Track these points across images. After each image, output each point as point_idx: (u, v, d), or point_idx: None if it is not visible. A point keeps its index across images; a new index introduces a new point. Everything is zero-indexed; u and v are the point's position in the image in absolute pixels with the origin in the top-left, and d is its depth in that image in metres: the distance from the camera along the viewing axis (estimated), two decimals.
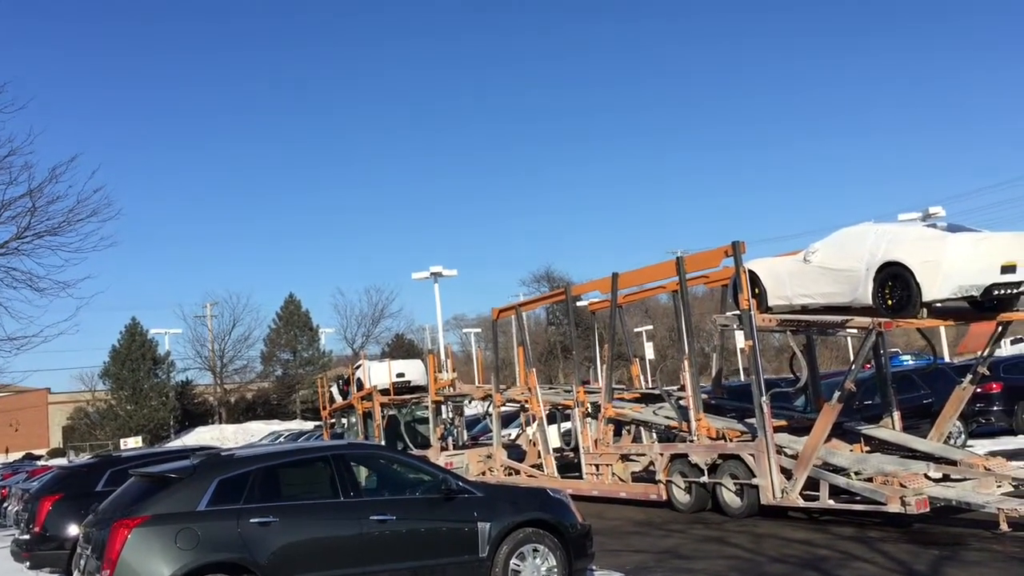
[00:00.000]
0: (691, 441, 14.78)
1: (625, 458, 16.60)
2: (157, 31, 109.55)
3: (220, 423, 61.05)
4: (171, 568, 7.49)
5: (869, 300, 12.21)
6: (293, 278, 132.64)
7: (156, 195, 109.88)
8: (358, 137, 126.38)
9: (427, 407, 23.66)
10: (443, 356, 28.96)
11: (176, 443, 50.49)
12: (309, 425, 50.53)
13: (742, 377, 51.00)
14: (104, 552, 7.57)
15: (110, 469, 12.20)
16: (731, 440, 14.22)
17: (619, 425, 17.27)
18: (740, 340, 32.20)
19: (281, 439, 41.19)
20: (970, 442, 19.40)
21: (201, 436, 52.10)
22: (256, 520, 7.93)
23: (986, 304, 12.31)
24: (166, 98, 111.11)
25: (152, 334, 64.57)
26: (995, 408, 21.70)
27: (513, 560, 8.78)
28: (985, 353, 13.88)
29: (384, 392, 25.26)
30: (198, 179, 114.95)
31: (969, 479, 12.44)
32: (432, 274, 42.30)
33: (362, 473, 9.08)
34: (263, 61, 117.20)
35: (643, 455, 16.30)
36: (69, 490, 11.96)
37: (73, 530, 11.16)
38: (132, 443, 50.42)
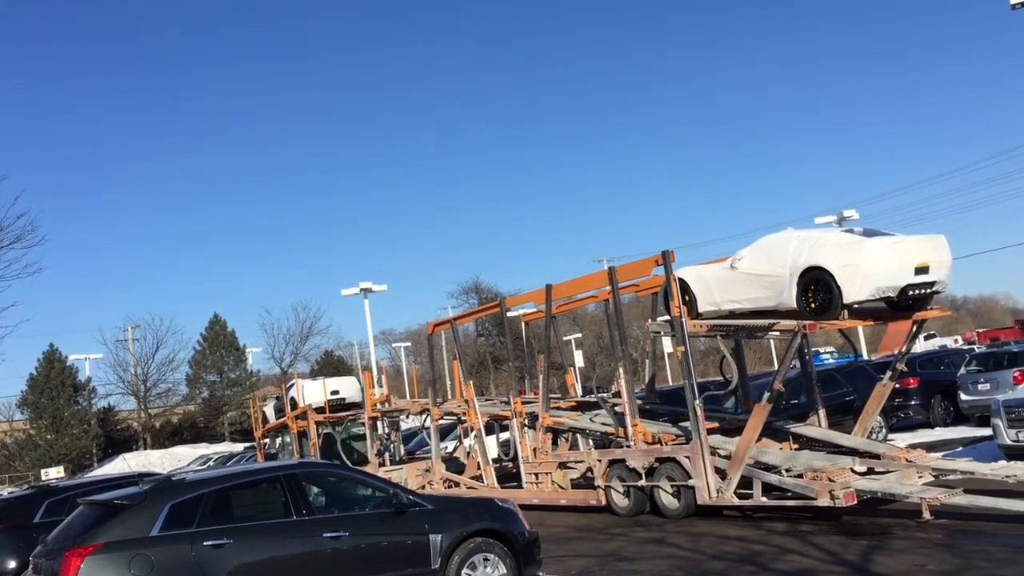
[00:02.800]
0: (628, 446, 15.15)
1: (564, 466, 16.90)
2: (59, 50, 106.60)
3: (145, 449, 59.52)
4: None
5: (794, 303, 12.75)
6: (217, 298, 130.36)
7: (69, 216, 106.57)
8: (276, 154, 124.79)
9: (363, 424, 23.65)
10: (376, 371, 28.93)
11: (100, 471, 49.13)
12: (239, 447, 49.67)
13: (670, 382, 51.97)
14: None
15: (47, 500, 11.97)
16: (667, 444, 14.63)
17: (556, 434, 17.57)
18: (668, 345, 32.85)
19: (210, 463, 40.42)
20: (891, 436, 20.19)
21: (127, 463, 50.74)
22: (210, 543, 7.96)
23: (902, 304, 12.99)
24: (74, 117, 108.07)
25: (72, 360, 62.56)
26: (913, 403, 22.62)
27: (465, 570, 8.96)
28: (903, 350, 14.57)
29: (319, 410, 25.14)
30: (115, 199, 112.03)
31: (892, 471, 13.04)
32: (362, 290, 42.02)
33: (313, 491, 9.16)
34: (171, 75, 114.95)
35: (581, 462, 16.62)
36: (6, 522, 11.71)
37: (11, 563, 10.97)
38: (54, 473, 48.77)
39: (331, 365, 66.34)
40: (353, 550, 8.56)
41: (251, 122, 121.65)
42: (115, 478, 13.79)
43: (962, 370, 21.94)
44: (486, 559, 9.11)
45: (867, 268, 12.08)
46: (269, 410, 30.28)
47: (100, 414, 63.89)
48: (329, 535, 8.47)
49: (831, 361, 45.99)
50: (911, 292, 12.47)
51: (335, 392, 25.93)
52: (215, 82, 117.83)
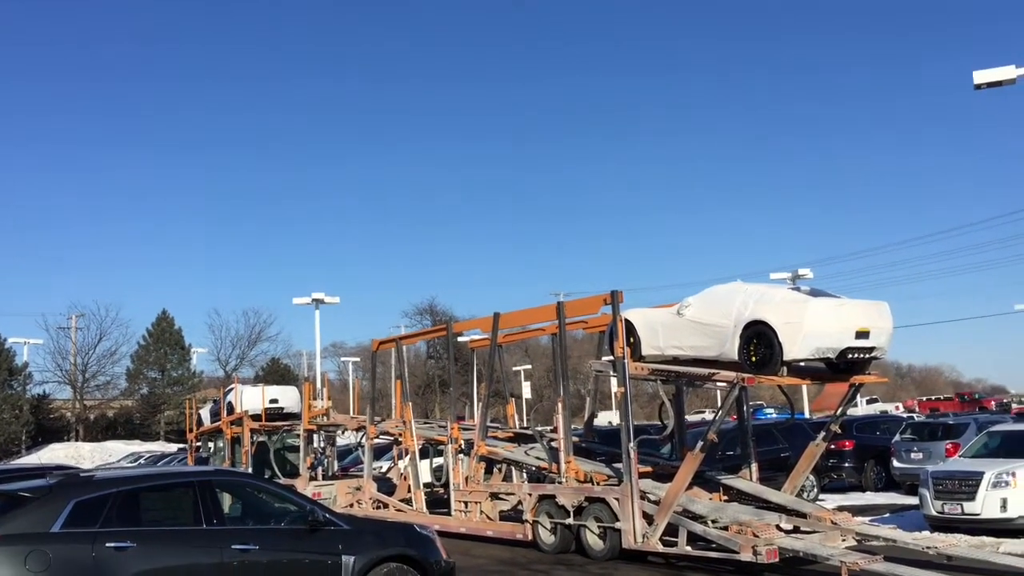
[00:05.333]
0: (559, 483, 15.06)
1: (494, 496, 16.75)
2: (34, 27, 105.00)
3: (77, 440, 58.16)
4: None
5: (735, 355, 12.80)
6: (167, 295, 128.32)
7: (18, 197, 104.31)
8: (241, 155, 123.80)
9: (299, 435, 23.30)
10: (319, 384, 28.59)
11: (28, 459, 47.90)
12: (172, 447, 48.74)
13: (613, 422, 51.99)
14: None
15: None
16: (598, 484, 14.56)
17: (491, 463, 17.43)
18: (615, 385, 32.94)
19: (141, 460, 39.63)
20: (822, 496, 20.34)
21: (55, 453, 49.50)
22: (112, 544, 7.72)
23: (841, 366, 13.10)
24: (32, 99, 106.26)
25: (10, 343, 61.09)
26: (847, 465, 22.84)
27: None
28: (838, 412, 14.69)
29: (255, 417, 24.72)
30: (68, 183, 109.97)
31: (817, 532, 13.09)
32: (313, 300, 41.67)
33: (227, 501, 8.94)
34: (131, 58, 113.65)
35: (512, 494, 16.47)
36: None
37: None
38: None
39: (277, 373, 65.55)
40: (262, 564, 8.36)
41: (215, 118, 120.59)
42: (25, 469, 13.40)
43: (897, 437, 22.22)
44: None
45: (809, 327, 12.17)
46: (205, 413, 29.72)
47: (34, 401, 62.34)
48: (238, 547, 8.26)
49: (773, 415, 46.42)
50: (850, 355, 12.59)
51: (274, 400, 25.50)
52: (176, 73, 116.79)
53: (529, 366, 66.18)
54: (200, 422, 29.67)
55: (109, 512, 7.89)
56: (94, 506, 7.87)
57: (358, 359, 73.95)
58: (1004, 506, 14.25)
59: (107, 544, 7.70)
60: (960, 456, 17.02)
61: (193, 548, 8.12)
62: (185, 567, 8.02)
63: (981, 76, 18.81)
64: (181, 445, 44.31)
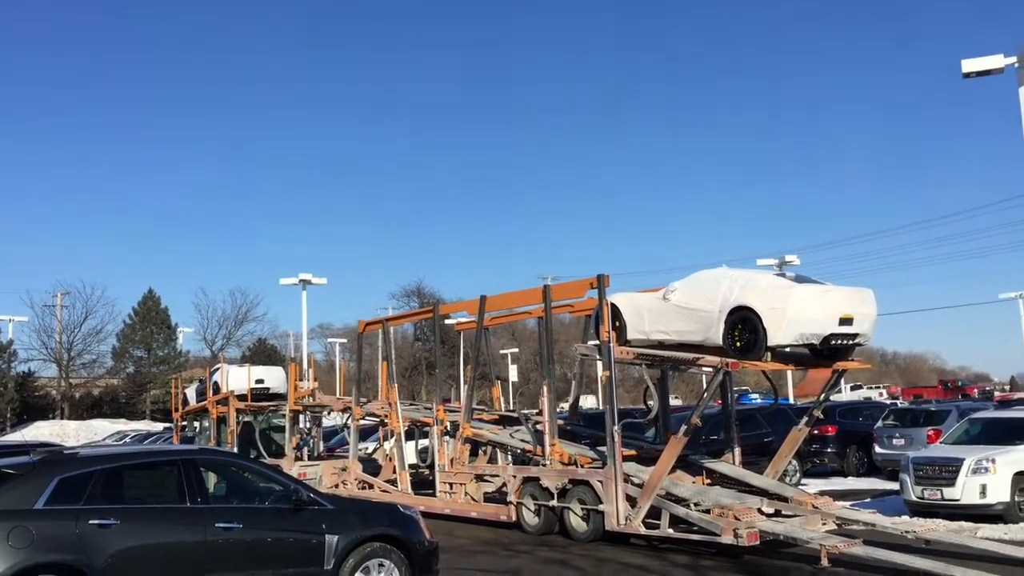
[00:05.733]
0: (544, 465, 15.15)
1: (479, 478, 16.83)
2: None
3: (62, 419, 58.03)
4: (1, 567, 7.23)
5: (720, 340, 12.87)
6: (153, 274, 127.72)
7: (7, 170, 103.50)
8: (230, 136, 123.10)
9: (284, 415, 23.33)
10: (306, 365, 28.59)
11: (12, 437, 47.75)
12: (158, 426, 48.71)
13: (599, 405, 52.19)
14: None
15: None
16: (582, 466, 14.65)
17: (476, 445, 17.50)
18: (600, 369, 33.06)
19: (127, 439, 39.62)
20: (804, 481, 20.51)
21: (40, 431, 49.37)
22: (95, 522, 7.75)
23: (824, 352, 13.20)
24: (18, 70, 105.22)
25: None
26: (829, 450, 23.05)
27: (358, 574, 8.84)
28: (821, 398, 14.80)
29: (241, 398, 24.73)
30: (55, 160, 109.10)
31: (798, 516, 13.21)
32: (301, 281, 41.53)
33: (211, 479, 8.97)
34: (125, 43, 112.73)
35: (497, 476, 16.56)
36: None
37: None
38: None
39: (263, 353, 65.45)
40: (246, 543, 8.40)
41: (205, 97, 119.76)
42: (10, 445, 13.38)
43: (879, 423, 22.41)
44: (381, 564, 8.99)
45: (793, 313, 12.24)
46: (191, 392, 29.72)
47: (18, 378, 62.11)
48: (222, 525, 8.29)
49: (758, 400, 46.69)
50: (834, 341, 12.68)
51: (260, 381, 25.53)
52: (158, 44, 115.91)
53: (516, 349, 66.32)
54: (186, 401, 29.67)
55: (93, 489, 7.91)
56: (78, 483, 7.89)
57: (345, 340, 73.84)
58: (983, 492, 14.41)
59: (91, 521, 7.73)
60: (941, 443, 17.19)
61: (177, 526, 8.16)
62: (168, 544, 8.05)
63: (970, 65, 18.89)
64: (167, 424, 44.30)
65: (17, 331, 62.27)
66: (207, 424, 26.56)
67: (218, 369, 26.90)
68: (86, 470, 8.06)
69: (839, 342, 12.76)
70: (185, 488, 8.35)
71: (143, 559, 7.88)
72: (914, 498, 15.17)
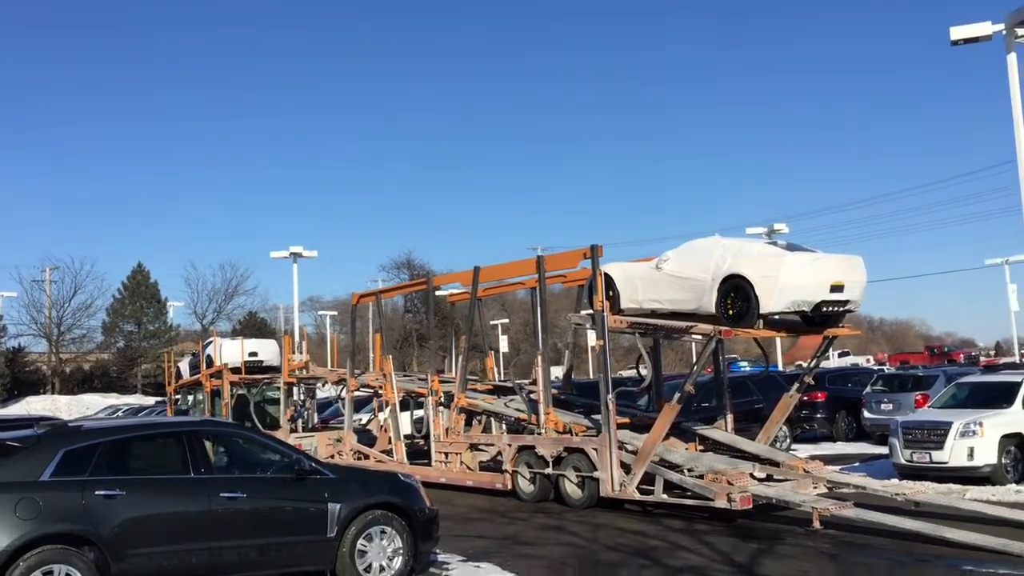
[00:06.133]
0: (539, 434, 15.32)
1: (474, 447, 17.01)
2: None
3: (53, 393, 58.01)
4: (9, 537, 7.35)
5: (713, 309, 13.02)
6: (143, 248, 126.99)
7: None
8: (219, 107, 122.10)
9: (278, 388, 23.43)
10: (298, 337, 28.66)
11: (13, 410, 47.75)
12: (150, 400, 48.74)
13: (590, 374, 52.47)
14: None
15: None
16: (577, 434, 14.82)
17: (470, 415, 17.65)
18: (592, 339, 33.22)
19: (119, 413, 39.65)
20: (794, 446, 20.78)
21: (31, 406, 49.34)
22: (101, 492, 7.85)
23: (816, 319, 13.38)
24: (12, 42, 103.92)
25: None
26: (819, 416, 23.36)
27: (360, 541, 8.98)
28: (811, 364, 14.99)
29: (235, 370, 24.81)
30: (41, 134, 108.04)
31: (789, 480, 13.45)
32: (291, 254, 41.53)
33: (215, 450, 9.08)
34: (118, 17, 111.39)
35: (492, 445, 16.74)
36: None
37: None
38: None
39: (254, 327, 65.42)
40: (250, 512, 8.52)
41: (195, 72, 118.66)
42: (13, 419, 13.44)
43: (868, 389, 22.69)
44: (383, 532, 9.14)
45: (785, 281, 12.38)
46: (184, 365, 29.75)
47: (8, 354, 62.00)
48: (226, 495, 8.41)
49: (747, 368, 47.08)
50: (825, 308, 12.84)
51: (253, 354, 25.58)
52: (144, 18, 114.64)
53: (506, 320, 66.49)
54: (179, 375, 29.71)
55: (98, 461, 8.01)
56: (83, 455, 7.99)
57: (335, 313, 73.93)
58: (971, 455, 14.68)
59: (97, 492, 7.84)
60: (929, 407, 17.44)
61: (181, 496, 8.27)
62: (174, 514, 8.17)
63: (958, 32, 18.92)
64: (159, 398, 44.32)
65: (6, 306, 62.27)
66: (201, 397, 26.62)
67: (211, 342, 26.95)
68: (91, 442, 8.15)
69: (830, 309, 12.92)
70: (189, 459, 8.46)
71: (149, 529, 7.99)
72: (903, 461, 15.43)
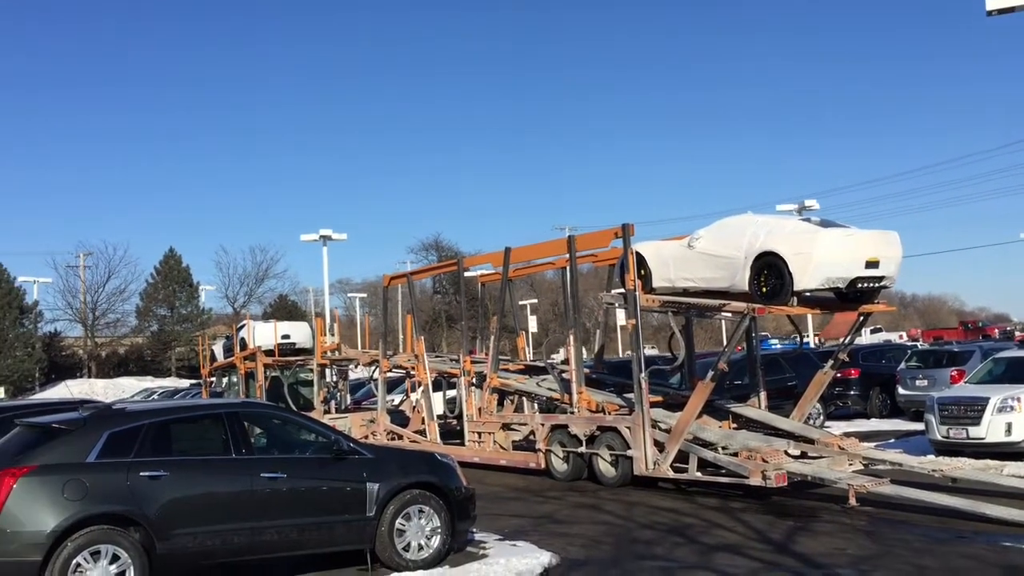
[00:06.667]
0: (571, 413, 15.36)
1: (507, 427, 17.08)
2: None
3: (90, 377, 58.93)
4: (57, 518, 7.51)
5: (746, 286, 12.95)
6: (174, 232, 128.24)
7: (28, 136, 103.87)
8: (246, 93, 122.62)
9: (311, 370, 23.62)
10: (329, 319, 28.84)
11: (41, 396, 48.56)
12: (184, 383, 49.36)
13: (620, 353, 52.45)
14: None
15: None
16: (610, 413, 14.85)
17: (503, 395, 17.72)
18: (622, 318, 33.21)
19: (154, 396, 40.19)
20: (828, 423, 20.68)
21: (71, 389, 50.16)
22: (146, 474, 8.00)
23: (850, 295, 13.27)
24: (46, 34, 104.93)
25: (20, 282, 61.54)
26: (852, 392, 23.22)
27: (399, 520, 9.08)
28: (845, 341, 14.89)
29: (268, 353, 25.03)
30: (74, 121, 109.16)
31: (824, 457, 13.39)
32: (321, 237, 41.70)
33: (255, 431, 9.19)
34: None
35: (524, 425, 16.80)
36: None
37: None
38: None
39: (284, 309, 65.99)
40: (290, 492, 8.64)
41: (223, 58, 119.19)
42: (56, 403, 13.68)
43: (902, 365, 22.50)
44: (421, 511, 9.22)
45: (820, 257, 12.29)
46: (218, 348, 30.05)
47: (46, 338, 63.07)
48: (267, 475, 8.53)
49: (777, 346, 46.82)
50: (860, 284, 12.74)
51: (286, 336, 25.77)
52: (178, 9, 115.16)
53: (535, 300, 66.51)
54: (213, 358, 30.01)
55: (142, 443, 8.15)
56: (127, 437, 8.13)
57: (365, 295, 74.38)
58: (1009, 430, 14.50)
59: (141, 473, 7.98)
60: (965, 383, 17.26)
61: (223, 476, 8.40)
62: (217, 495, 8.30)
63: (993, 1, 18.55)
64: (194, 381, 44.89)
65: (42, 292, 63.25)
66: (235, 380, 26.89)
67: (244, 325, 27.19)
68: (134, 424, 8.29)
69: (866, 285, 12.82)
70: (230, 440, 8.58)
71: (193, 509, 8.13)
72: (939, 437, 15.29)
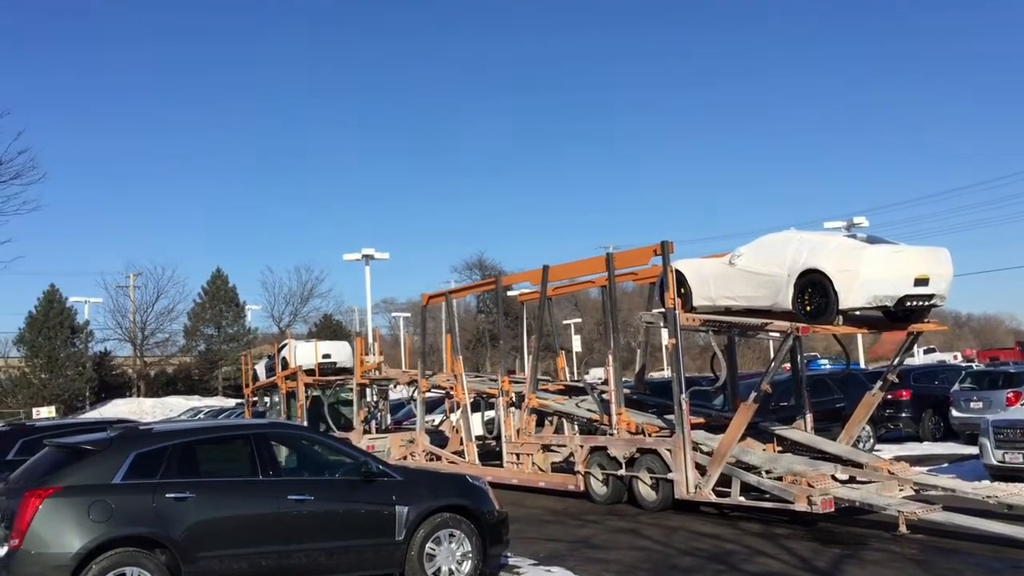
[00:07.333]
0: (611, 434, 15.06)
1: (546, 448, 16.82)
2: None
3: (139, 396, 59.80)
4: (82, 540, 7.42)
5: (789, 305, 12.57)
6: (221, 252, 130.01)
7: (78, 157, 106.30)
8: (294, 113, 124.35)
9: (351, 389, 23.61)
10: (371, 339, 28.89)
11: (92, 415, 49.30)
12: (231, 402, 49.82)
13: (666, 373, 51.83)
14: (14, 522, 7.43)
15: (22, 438, 11.92)
16: (650, 435, 14.51)
17: (542, 416, 17.48)
18: (665, 337, 32.70)
19: (201, 415, 40.58)
20: (878, 446, 20.10)
21: (118, 409, 50.93)
22: (172, 495, 7.90)
23: (898, 314, 12.81)
24: (92, 60, 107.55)
25: (71, 302, 62.74)
26: (903, 415, 22.54)
27: (429, 544, 8.89)
28: (895, 362, 14.41)
29: (309, 372, 25.10)
30: (123, 143, 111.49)
31: (873, 482, 12.91)
32: (364, 256, 41.89)
33: (282, 453, 9.07)
34: (183, 19, 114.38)
35: (564, 446, 16.53)
36: None
37: None
38: (45, 412, 49.04)
39: (329, 329, 66.39)
40: (318, 515, 8.49)
41: (273, 79, 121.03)
42: (86, 423, 13.76)
43: (956, 387, 21.83)
44: (452, 535, 9.02)
45: (866, 275, 11.88)
46: (260, 368, 30.26)
47: (96, 358, 64.12)
48: (294, 498, 8.39)
49: (827, 366, 45.89)
50: (908, 303, 12.29)
51: (326, 356, 25.85)
52: (231, 30, 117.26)
53: (579, 319, 66.16)
54: (256, 377, 30.22)
55: (168, 464, 8.07)
56: (154, 458, 8.05)
57: (409, 314, 74.60)
58: None
59: (167, 495, 7.88)
60: (1022, 404, 16.64)
61: (250, 498, 8.27)
62: (243, 517, 8.17)
63: None
64: (239, 400, 45.24)
65: (93, 312, 64.27)
66: (277, 399, 27.03)
67: (286, 345, 27.33)
68: (161, 445, 8.21)
69: (914, 303, 12.36)
70: (257, 461, 8.46)
71: (219, 531, 8.01)
72: (995, 462, 14.72)
